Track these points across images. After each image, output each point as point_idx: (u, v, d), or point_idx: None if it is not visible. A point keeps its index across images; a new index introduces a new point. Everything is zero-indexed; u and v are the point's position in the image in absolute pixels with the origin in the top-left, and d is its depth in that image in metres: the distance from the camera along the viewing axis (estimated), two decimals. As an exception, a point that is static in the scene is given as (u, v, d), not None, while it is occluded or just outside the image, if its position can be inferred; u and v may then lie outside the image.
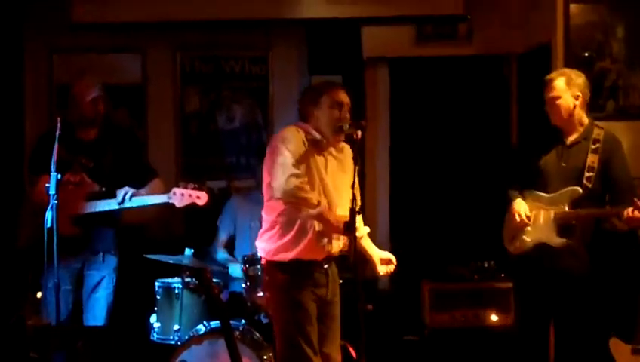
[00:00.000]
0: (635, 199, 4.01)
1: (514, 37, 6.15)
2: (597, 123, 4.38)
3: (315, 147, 3.94)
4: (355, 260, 3.74)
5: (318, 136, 3.96)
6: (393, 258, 4.19)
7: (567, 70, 4.45)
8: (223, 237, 5.39)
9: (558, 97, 4.26)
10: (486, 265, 5.66)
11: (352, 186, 3.77)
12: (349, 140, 3.95)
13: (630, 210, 4.01)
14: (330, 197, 3.93)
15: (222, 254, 5.33)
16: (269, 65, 6.49)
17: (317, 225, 3.86)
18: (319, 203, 3.83)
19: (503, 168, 4.72)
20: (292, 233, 3.88)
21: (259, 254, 4.12)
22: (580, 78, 4.31)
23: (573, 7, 5.47)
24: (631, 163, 4.36)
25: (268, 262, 3.97)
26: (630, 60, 5.51)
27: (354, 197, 3.75)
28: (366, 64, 6.42)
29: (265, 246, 3.98)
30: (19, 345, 3.91)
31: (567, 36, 5.48)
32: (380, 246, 6.21)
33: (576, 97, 4.27)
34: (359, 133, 3.84)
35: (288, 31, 6.42)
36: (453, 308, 5.59)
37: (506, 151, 4.90)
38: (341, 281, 4.43)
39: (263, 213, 4.02)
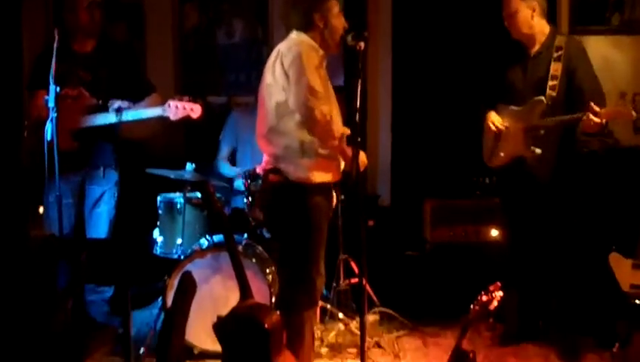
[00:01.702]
0: (591, 103, 3.99)
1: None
2: (561, 32, 4.37)
3: (321, 61, 3.84)
4: (357, 176, 3.72)
5: (321, 51, 3.86)
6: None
7: None
8: (224, 151, 5.38)
9: (516, 12, 4.28)
10: (487, 181, 5.66)
11: (354, 99, 3.71)
12: (350, 54, 3.87)
13: (587, 114, 4.00)
14: (336, 111, 3.87)
15: (226, 168, 5.32)
16: (269, -22, 6.36)
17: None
18: (342, 135, 3.78)
19: (480, 84, 4.71)
20: (316, 157, 3.76)
21: (271, 170, 3.89)
22: None
23: None
24: (634, 77, 4.32)
25: (291, 182, 3.77)
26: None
27: (356, 110, 3.69)
28: (369, -25, 6.28)
29: (288, 166, 3.78)
30: (23, 255, 3.92)
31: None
32: (382, 162, 6.30)
33: (533, 8, 4.28)
34: (362, 44, 3.76)
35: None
36: (454, 223, 5.62)
37: (482, 67, 4.88)
38: (343, 197, 4.45)
39: (275, 133, 3.79)
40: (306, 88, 3.65)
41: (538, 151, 4.24)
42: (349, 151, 3.78)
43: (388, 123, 6.31)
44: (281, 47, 3.81)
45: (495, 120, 4.46)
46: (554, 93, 4.22)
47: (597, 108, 3.96)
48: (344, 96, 4.98)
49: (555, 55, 4.26)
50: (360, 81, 3.74)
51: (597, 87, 4.26)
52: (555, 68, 4.24)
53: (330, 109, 3.73)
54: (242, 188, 4.96)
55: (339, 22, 3.86)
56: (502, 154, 4.45)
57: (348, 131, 3.82)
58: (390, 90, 6.28)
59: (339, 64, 5.73)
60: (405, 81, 6.18)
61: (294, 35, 3.85)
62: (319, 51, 3.83)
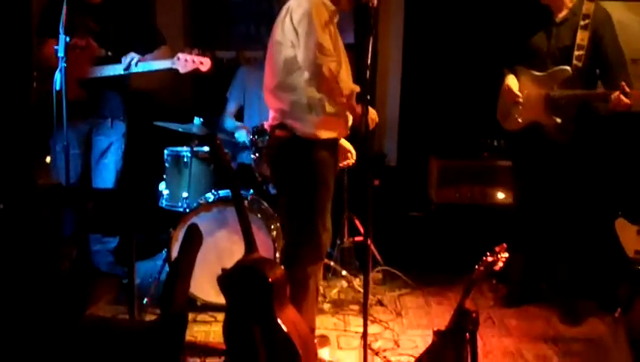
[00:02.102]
0: (623, 83, 3.94)
1: None
2: None
3: (331, 17, 3.78)
4: (366, 134, 3.70)
5: (332, 6, 3.80)
6: (353, 152, 4.12)
7: None
8: (231, 107, 5.36)
9: None
10: (495, 143, 5.63)
11: (365, 56, 3.67)
12: (361, 10, 3.81)
13: (617, 93, 3.95)
14: (346, 67, 3.84)
15: (230, 122, 5.31)
16: None
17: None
18: (350, 92, 3.75)
19: (498, 45, 4.64)
20: (324, 114, 3.74)
21: (277, 125, 3.86)
22: None
23: None
24: (634, 42, 4.27)
25: (297, 138, 3.75)
26: None
27: (366, 68, 3.66)
28: None
29: (295, 122, 3.75)
30: (29, 202, 3.94)
31: None
32: (390, 120, 6.27)
33: None
34: (374, 1, 3.71)
35: None
36: (460, 184, 5.61)
37: (501, 29, 4.80)
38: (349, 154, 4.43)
39: (282, 88, 3.77)
40: (314, 45, 3.61)
41: (559, 120, 4.20)
42: (358, 108, 3.76)
43: (397, 81, 6.27)
44: (291, 3, 3.75)
45: (513, 86, 4.38)
46: (579, 64, 4.15)
47: (628, 89, 3.91)
48: (355, 53, 4.96)
49: (582, 23, 4.16)
50: (371, 39, 3.70)
51: (622, 60, 4.19)
52: (582, 37, 4.15)
53: (338, 66, 3.70)
54: (243, 139, 4.95)
55: None
56: (519, 119, 4.38)
57: (358, 88, 3.80)
58: (401, 48, 6.21)
59: (350, 21, 5.68)
60: (417, 39, 6.12)
61: None
62: (330, 7, 3.77)
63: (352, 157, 4.13)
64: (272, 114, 3.90)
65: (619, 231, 4.40)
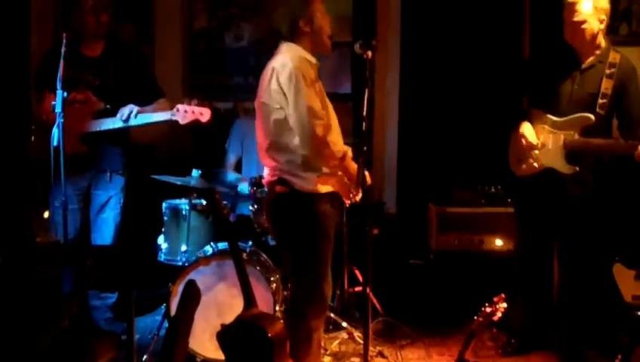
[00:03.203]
0: None
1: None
2: (614, 46, 4.26)
3: (316, 71, 3.80)
4: (364, 185, 3.72)
5: (314, 60, 3.81)
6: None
7: None
8: (231, 159, 5.39)
9: (584, 21, 4.09)
10: (493, 190, 5.65)
11: (362, 108, 3.70)
12: (357, 62, 3.84)
13: None
14: (335, 124, 3.86)
15: (231, 175, 5.32)
16: (279, -19, 6.36)
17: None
18: (342, 155, 3.78)
19: (512, 84, 4.61)
20: (320, 172, 3.76)
21: (276, 181, 3.86)
22: (605, 1, 4.14)
23: None
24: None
25: (297, 192, 3.76)
26: (645, -17, 5.38)
27: (363, 119, 3.69)
28: (377, -17, 6.28)
29: (293, 178, 3.76)
30: (28, 259, 3.93)
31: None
32: (388, 169, 6.29)
33: (602, 21, 4.13)
34: (370, 53, 3.75)
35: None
36: (459, 232, 5.60)
37: (517, 67, 4.78)
38: (348, 206, 4.44)
39: (276, 148, 3.78)
40: (304, 108, 3.63)
41: (577, 168, 4.16)
42: (352, 167, 3.77)
43: (395, 130, 6.30)
44: (275, 63, 3.74)
45: (528, 133, 4.29)
46: (602, 112, 4.12)
47: None
48: (351, 104, 5.00)
49: (608, 72, 4.13)
50: (368, 90, 3.73)
51: None
52: (607, 85, 4.11)
53: (329, 128, 3.71)
54: (246, 192, 4.96)
55: (325, 22, 3.82)
56: (535, 164, 4.31)
57: (349, 151, 3.81)
58: (398, 98, 6.26)
59: (346, 72, 5.73)
60: (413, 88, 6.17)
61: (285, 46, 3.81)
62: (312, 60, 3.80)
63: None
64: (268, 171, 3.91)
65: (617, 276, 4.40)
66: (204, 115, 4.44)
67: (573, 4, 4.11)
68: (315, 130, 3.62)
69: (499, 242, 5.56)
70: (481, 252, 5.58)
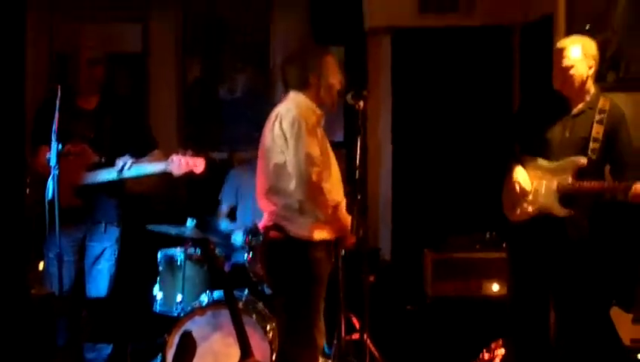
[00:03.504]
0: None
1: (517, 8, 6.09)
2: (603, 93, 4.32)
3: (319, 120, 3.88)
4: (357, 234, 3.74)
5: (318, 110, 3.89)
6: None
7: (580, 38, 4.29)
8: (224, 208, 5.40)
9: (572, 67, 4.12)
10: (487, 235, 5.66)
11: (354, 157, 3.75)
12: (350, 111, 3.91)
13: (639, 185, 3.95)
14: (335, 171, 3.90)
15: (225, 224, 5.34)
16: (271, 34, 6.46)
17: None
18: (336, 204, 3.80)
19: (503, 133, 4.65)
20: (316, 218, 3.78)
21: (271, 227, 3.90)
22: (593, 47, 4.19)
23: (574, -25, 5.43)
24: (632, 134, 4.33)
25: (292, 238, 3.80)
26: (631, 31, 5.46)
27: (356, 168, 3.74)
28: (368, 34, 6.38)
29: (288, 223, 3.80)
30: (23, 312, 3.92)
31: (570, 7, 5.43)
32: (382, 215, 6.32)
33: (590, 67, 4.16)
34: (361, 103, 3.81)
35: (291, 0, 6.38)
36: (454, 278, 5.59)
37: (508, 117, 4.84)
38: (343, 253, 4.45)
39: (274, 192, 3.83)
40: (303, 154, 3.68)
41: (572, 212, 4.17)
42: (345, 218, 3.80)
43: (388, 177, 6.35)
44: (280, 108, 3.83)
45: (520, 179, 4.30)
46: (594, 156, 4.14)
47: None
48: (344, 151, 5.04)
49: (598, 117, 4.16)
50: (360, 139, 3.79)
51: (633, 158, 4.20)
52: (597, 130, 4.14)
53: (327, 175, 3.76)
54: (240, 242, 4.97)
55: (335, 79, 3.89)
56: (530, 209, 4.31)
57: (344, 201, 3.83)
58: (390, 145, 6.33)
59: (339, 120, 5.79)
60: (405, 135, 6.24)
61: (292, 94, 3.89)
62: (317, 110, 3.86)
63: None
64: (265, 215, 3.94)
65: (614, 319, 4.39)
66: (199, 166, 4.47)
67: (562, 49, 4.16)
68: (311, 177, 3.67)
69: (495, 287, 5.55)
70: (477, 297, 5.56)
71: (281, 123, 3.75)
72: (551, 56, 4.28)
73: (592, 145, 4.15)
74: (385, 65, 6.40)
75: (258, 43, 6.47)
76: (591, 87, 4.23)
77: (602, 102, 4.21)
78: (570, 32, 5.34)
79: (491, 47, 6.33)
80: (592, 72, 4.18)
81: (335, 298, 4.77)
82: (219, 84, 6.51)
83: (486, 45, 6.31)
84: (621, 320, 4.38)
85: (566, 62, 4.13)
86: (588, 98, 4.23)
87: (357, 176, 3.76)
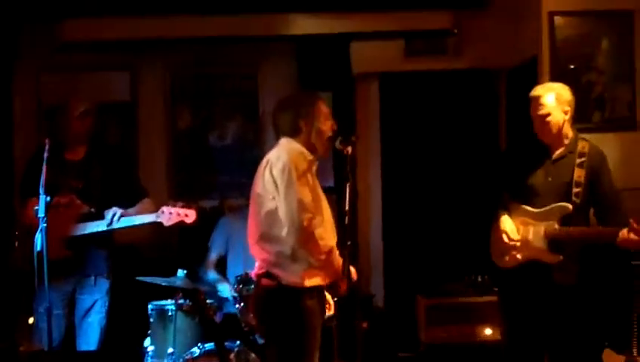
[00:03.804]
0: (631, 220, 3.92)
1: (503, 51, 6.16)
2: (581, 135, 4.34)
3: (310, 166, 3.87)
4: (349, 280, 3.72)
5: (310, 156, 3.89)
6: (331, 303, 4.12)
7: (553, 85, 4.36)
8: (213, 257, 5.37)
9: (548, 114, 4.17)
10: (480, 280, 5.66)
11: (344, 202, 3.75)
12: (339, 156, 3.91)
13: (625, 231, 3.94)
14: (328, 216, 3.89)
15: (212, 274, 5.31)
16: (259, 81, 6.49)
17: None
18: (329, 249, 3.79)
19: (490, 179, 4.67)
20: (308, 265, 3.76)
21: (263, 274, 3.87)
22: (567, 92, 4.24)
23: (557, 19, 5.50)
24: (618, 174, 4.35)
25: (284, 287, 3.78)
26: (616, 72, 5.55)
27: (345, 214, 3.73)
28: (356, 80, 6.43)
29: (280, 271, 3.78)
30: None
31: (554, 50, 5.51)
32: (374, 262, 6.30)
33: (566, 112, 4.20)
34: (349, 148, 3.82)
35: (278, 47, 6.43)
36: (448, 323, 5.58)
37: (494, 162, 4.89)
38: (336, 300, 4.43)
39: (267, 239, 3.81)
40: (294, 200, 3.68)
41: (561, 257, 4.17)
42: (338, 262, 3.79)
43: (379, 223, 6.36)
44: (271, 155, 3.83)
45: (507, 229, 4.30)
46: (577, 200, 4.15)
47: (636, 225, 3.89)
48: (334, 197, 5.04)
49: (579, 161, 4.18)
50: (349, 185, 3.78)
51: (618, 198, 4.22)
52: (579, 174, 4.16)
53: (320, 221, 3.75)
54: (226, 293, 4.93)
55: (326, 126, 3.90)
56: (519, 256, 4.30)
57: (335, 249, 3.82)
58: (380, 190, 6.34)
59: (328, 165, 5.80)
60: (395, 180, 6.27)
61: (284, 141, 3.90)
62: (308, 156, 3.86)
63: (330, 309, 4.10)
64: (257, 263, 3.92)
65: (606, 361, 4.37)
66: (190, 216, 4.46)
67: (537, 97, 4.20)
68: (302, 223, 3.66)
69: (488, 331, 5.52)
70: (471, 342, 5.54)
71: (271, 170, 3.76)
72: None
73: (574, 189, 4.17)
74: (373, 110, 6.46)
75: (247, 90, 6.50)
76: (569, 131, 4.26)
77: (581, 145, 4.24)
78: (554, 73, 5.43)
79: (478, 90, 6.39)
80: (568, 117, 4.22)
81: (329, 346, 4.74)
82: (209, 132, 6.51)
83: (473, 89, 6.38)
84: (613, 362, 4.36)
85: (541, 111, 4.18)
86: (567, 142, 4.26)
87: (346, 222, 3.74)
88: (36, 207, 4.10)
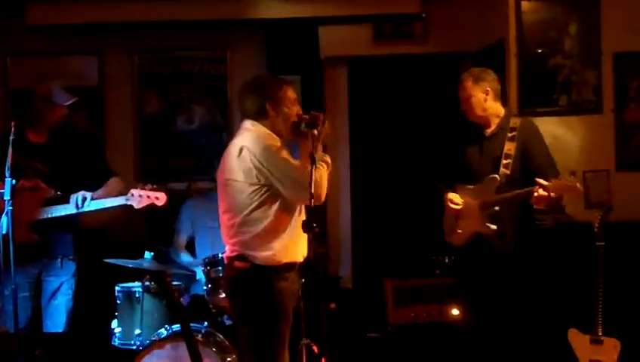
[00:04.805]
0: (537, 179, 4.07)
1: (470, 35, 6.22)
2: (515, 114, 4.47)
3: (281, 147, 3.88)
4: (316, 259, 3.74)
5: (277, 139, 3.87)
6: None
7: (474, 69, 4.57)
8: (182, 239, 5.38)
9: (470, 96, 4.40)
10: (447, 260, 5.72)
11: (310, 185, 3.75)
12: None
13: (536, 188, 4.08)
14: None
15: (185, 257, 5.32)
16: (228, 65, 6.49)
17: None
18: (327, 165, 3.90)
19: (438, 164, 4.81)
20: (288, 235, 3.79)
21: (236, 257, 3.85)
22: (486, 74, 4.45)
23: (525, 4, 5.59)
24: (583, 157, 4.44)
25: (257, 267, 3.76)
26: (582, 56, 5.63)
27: (311, 196, 3.73)
28: (324, 64, 6.45)
29: (255, 252, 3.77)
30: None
31: (521, 33, 5.58)
32: (343, 244, 6.34)
33: (486, 92, 4.40)
34: (315, 132, 3.83)
35: (246, 31, 6.43)
36: (415, 304, 5.64)
37: (440, 148, 5.01)
38: (303, 281, 4.46)
39: (245, 224, 3.78)
40: (288, 169, 3.72)
41: (493, 227, 4.29)
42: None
43: (348, 206, 6.40)
44: (244, 142, 3.79)
45: (454, 198, 4.52)
46: (507, 171, 4.30)
47: (544, 183, 4.04)
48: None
49: (510, 135, 4.35)
50: (314, 168, 3.79)
51: (551, 164, 4.34)
52: (509, 147, 4.33)
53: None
54: (204, 277, 4.94)
55: (292, 110, 3.89)
56: (460, 231, 4.50)
57: (327, 158, 3.93)
58: (349, 173, 6.38)
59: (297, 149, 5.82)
60: (364, 163, 6.30)
61: (249, 124, 3.87)
62: (276, 139, 3.88)
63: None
64: (229, 246, 3.89)
65: (572, 341, 4.44)
66: (160, 199, 4.45)
67: (460, 82, 4.48)
68: (304, 180, 3.63)
69: (455, 311, 5.58)
70: (438, 322, 5.60)
71: (254, 155, 3.73)
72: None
73: (504, 161, 4.33)
74: (342, 94, 6.48)
75: (215, 74, 6.49)
76: (498, 109, 4.46)
77: (513, 122, 4.43)
78: (521, 57, 5.49)
79: (446, 74, 6.42)
80: (490, 96, 4.41)
81: (296, 326, 4.77)
82: (176, 116, 6.50)
83: (441, 72, 6.41)
84: (579, 342, 4.43)
85: (462, 94, 4.45)
86: (497, 120, 4.46)
87: (311, 205, 3.75)
88: (1, 190, 4.08)
